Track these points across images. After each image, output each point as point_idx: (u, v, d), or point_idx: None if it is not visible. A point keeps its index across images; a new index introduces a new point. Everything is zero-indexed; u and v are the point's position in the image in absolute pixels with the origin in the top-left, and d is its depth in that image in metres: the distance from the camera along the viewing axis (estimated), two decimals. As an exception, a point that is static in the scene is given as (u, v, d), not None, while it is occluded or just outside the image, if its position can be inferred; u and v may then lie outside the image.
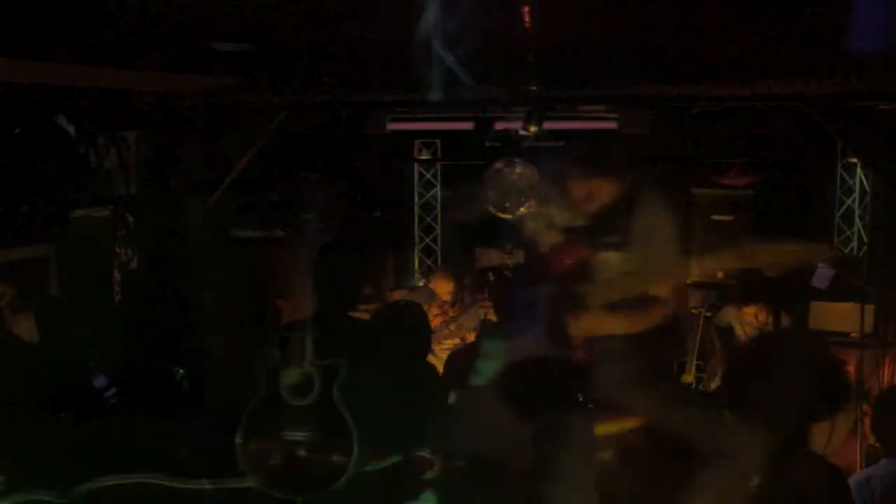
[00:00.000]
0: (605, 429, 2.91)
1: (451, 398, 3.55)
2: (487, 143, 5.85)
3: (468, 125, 5.64)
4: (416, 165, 8.47)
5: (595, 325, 2.90)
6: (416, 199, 8.61)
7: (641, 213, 2.98)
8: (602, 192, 3.06)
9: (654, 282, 2.90)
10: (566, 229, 3.16)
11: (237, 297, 4.62)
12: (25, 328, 4.03)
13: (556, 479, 2.54)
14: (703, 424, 2.89)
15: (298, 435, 2.37)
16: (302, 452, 2.37)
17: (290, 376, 2.39)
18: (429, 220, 8.62)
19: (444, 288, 6.84)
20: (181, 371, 3.97)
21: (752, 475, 2.60)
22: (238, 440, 2.41)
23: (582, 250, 3.11)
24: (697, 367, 6.62)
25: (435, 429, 3.18)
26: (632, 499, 2.96)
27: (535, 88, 4.29)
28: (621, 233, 2.97)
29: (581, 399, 2.96)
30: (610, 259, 3.06)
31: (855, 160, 6.75)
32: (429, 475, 2.58)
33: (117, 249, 5.49)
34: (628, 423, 3.06)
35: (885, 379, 5.23)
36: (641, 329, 2.92)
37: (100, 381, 3.29)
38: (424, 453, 2.71)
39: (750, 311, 6.06)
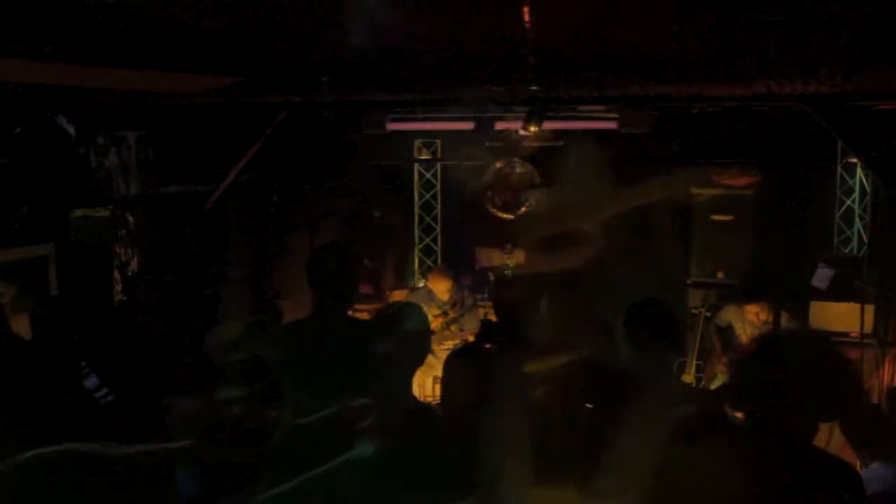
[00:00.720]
0: (537, 365, 2.91)
1: (385, 346, 3.48)
2: (487, 143, 5.86)
3: (468, 125, 5.64)
4: (416, 165, 8.46)
5: (524, 261, 2.99)
6: (416, 199, 8.61)
7: (568, 154, 3.07)
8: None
9: (580, 217, 2.96)
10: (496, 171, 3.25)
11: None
12: (25, 327, 4.03)
13: (492, 417, 2.53)
14: (629, 359, 2.92)
15: (229, 393, 2.30)
16: (234, 410, 2.30)
17: (219, 333, 2.31)
18: (429, 220, 8.62)
19: (441, 286, 6.83)
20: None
21: (679, 407, 2.60)
22: (165, 402, 2.33)
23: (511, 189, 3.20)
24: (697, 367, 6.64)
25: (369, 376, 3.12)
26: (568, 434, 2.95)
27: (535, 88, 4.29)
28: (549, 172, 3.09)
29: (514, 337, 2.97)
30: (537, 197, 3.15)
31: (855, 160, 6.75)
32: (365, 423, 2.50)
33: (117, 249, 5.49)
34: (561, 359, 3.06)
35: (886, 379, 5.24)
36: (570, 265, 2.96)
37: (91, 382, 3.26)
38: (359, 401, 2.63)
39: (751, 310, 6.07)
